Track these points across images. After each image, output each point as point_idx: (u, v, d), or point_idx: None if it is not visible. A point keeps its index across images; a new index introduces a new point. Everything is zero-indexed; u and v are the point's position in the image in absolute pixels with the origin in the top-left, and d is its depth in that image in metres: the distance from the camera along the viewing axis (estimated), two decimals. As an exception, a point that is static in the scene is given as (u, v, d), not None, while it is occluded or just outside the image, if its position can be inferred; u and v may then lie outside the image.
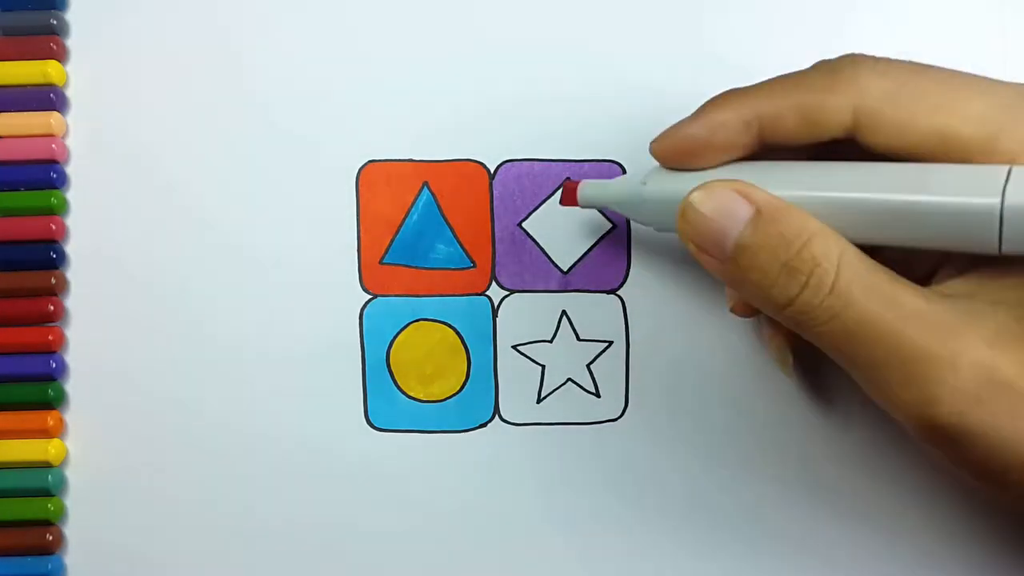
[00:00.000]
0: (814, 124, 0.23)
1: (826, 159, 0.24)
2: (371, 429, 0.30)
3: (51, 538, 0.30)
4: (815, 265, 0.21)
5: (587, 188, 0.28)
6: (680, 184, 0.24)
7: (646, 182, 0.25)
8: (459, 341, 0.31)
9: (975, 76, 0.22)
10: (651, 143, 0.25)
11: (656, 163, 0.26)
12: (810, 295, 0.21)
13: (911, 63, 0.23)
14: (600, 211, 0.31)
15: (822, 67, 0.23)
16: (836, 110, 0.22)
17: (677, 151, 0.25)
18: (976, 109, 0.21)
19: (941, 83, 0.22)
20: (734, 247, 0.22)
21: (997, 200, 0.20)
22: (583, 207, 0.28)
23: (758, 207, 0.22)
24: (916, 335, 0.21)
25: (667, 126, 0.31)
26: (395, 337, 0.31)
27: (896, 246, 0.22)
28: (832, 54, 0.31)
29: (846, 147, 0.24)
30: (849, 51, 0.23)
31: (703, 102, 0.25)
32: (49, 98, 0.31)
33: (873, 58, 0.23)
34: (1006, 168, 0.20)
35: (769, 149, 0.24)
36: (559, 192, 0.30)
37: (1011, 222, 0.20)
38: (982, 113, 0.21)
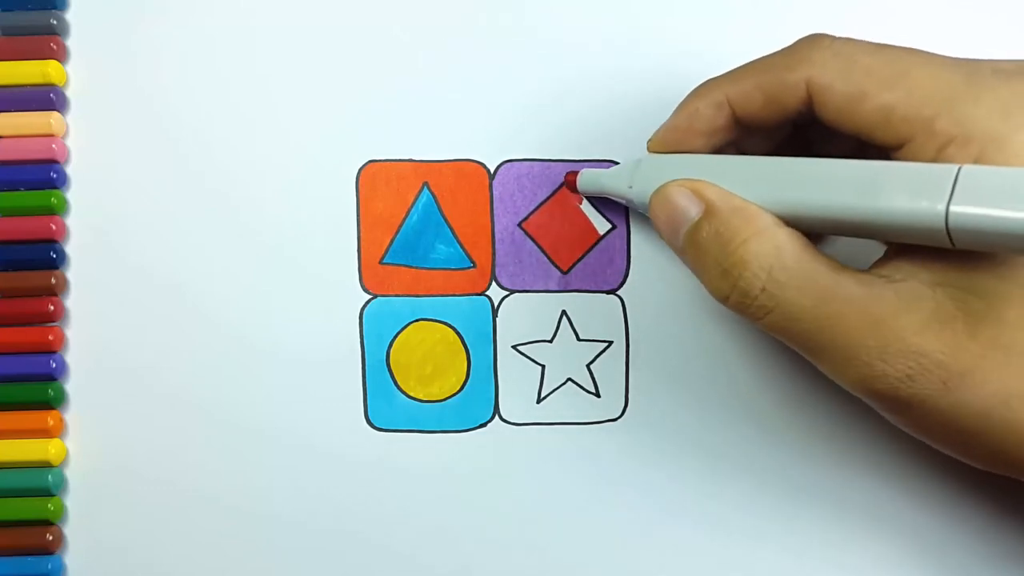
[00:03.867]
0: (775, 101, 0.24)
1: (800, 140, 0.26)
2: (371, 429, 0.30)
3: (51, 538, 0.30)
4: (743, 269, 0.23)
5: (584, 177, 0.30)
6: (657, 184, 0.26)
7: (632, 184, 0.27)
8: (459, 341, 0.31)
9: (929, 55, 0.23)
10: (647, 141, 0.28)
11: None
12: (740, 295, 0.23)
13: (869, 43, 0.23)
14: (598, 209, 0.31)
15: (783, 49, 0.25)
16: (793, 86, 0.24)
17: (666, 143, 0.27)
18: (921, 89, 0.22)
19: (891, 62, 0.22)
20: (682, 243, 0.25)
21: (942, 211, 0.20)
22: (582, 194, 0.30)
23: (706, 205, 0.24)
24: (848, 327, 0.22)
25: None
26: (395, 337, 0.31)
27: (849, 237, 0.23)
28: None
29: (815, 132, 0.25)
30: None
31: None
32: (49, 98, 0.31)
33: (830, 37, 0.24)
34: (954, 171, 0.20)
35: (748, 130, 0.26)
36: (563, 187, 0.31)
37: (958, 231, 0.20)
38: (926, 93, 0.22)
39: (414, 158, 0.31)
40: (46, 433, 0.30)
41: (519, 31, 0.31)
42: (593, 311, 0.31)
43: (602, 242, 0.31)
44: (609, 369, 0.30)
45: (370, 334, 0.31)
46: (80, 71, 0.31)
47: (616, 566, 0.30)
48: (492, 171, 0.31)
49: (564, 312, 0.31)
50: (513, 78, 0.31)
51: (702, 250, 0.24)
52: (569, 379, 0.31)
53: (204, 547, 0.30)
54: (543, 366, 0.31)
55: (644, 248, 0.31)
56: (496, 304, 0.31)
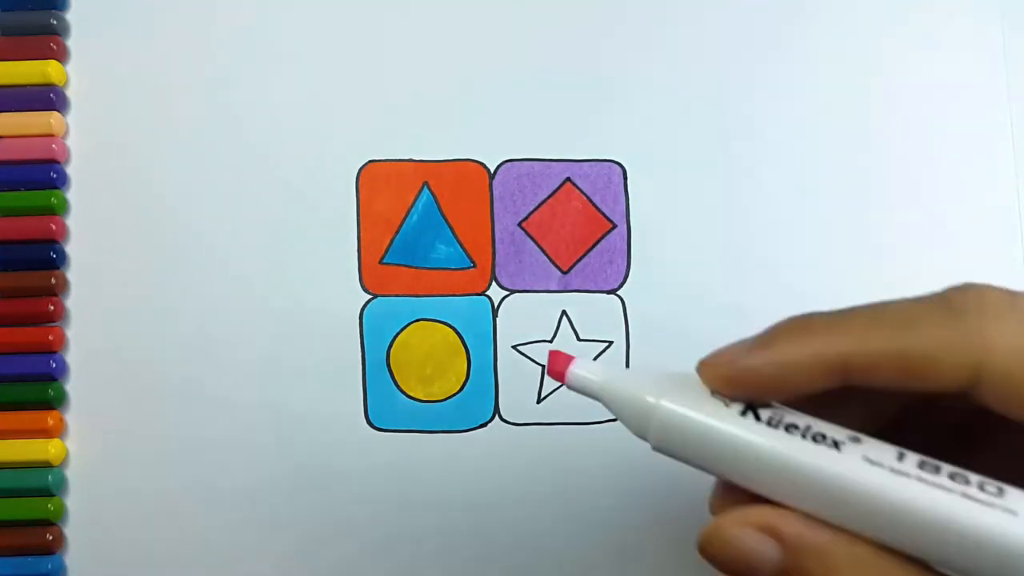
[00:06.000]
0: (919, 379, 0.18)
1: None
2: (371, 429, 0.30)
3: (51, 538, 0.30)
4: None
5: (577, 378, 0.22)
6: (682, 445, 0.20)
7: (649, 437, 0.21)
8: (459, 341, 0.31)
9: None
10: (700, 363, 0.20)
11: (661, 373, 0.21)
12: None
13: None
14: (599, 208, 0.31)
15: (938, 306, 0.18)
16: (953, 367, 0.17)
17: (734, 384, 0.19)
18: None
19: None
20: None
21: None
22: (571, 388, 0.22)
23: (786, 548, 0.18)
24: None
25: (667, 127, 0.31)
26: (395, 337, 0.31)
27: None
28: (834, 53, 0.31)
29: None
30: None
31: (772, 324, 0.20)
32: (49, 98, 0.31)
33: (1006, 298, 0.18)
34: None
35: (853, 396, 0.20)
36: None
37: None
38: None
39: (414, 158, 0.31)
40: (46, 433, 0.30)
41: (519, 31, 0.31)
42: (593, 311, 0.31)
43: (602, 242, 0.31)
44: (609, 369, 0.30)
45: (370, 334, 0.31)
46: (80, 71, 0.31)
47: (616, 565, 0.30)
48: (492, 171, 0.31)
49: (564, 312, 0.31)
50: (513, 78, 0.31)
51: None
52: (569, 379, 0.30)
53: (204, 547, 0.30)
54: (543, 366, 0.31)
55: (644, 248, 0.31)
56: (496, 304, 0.31)
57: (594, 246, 0.31)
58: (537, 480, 0.30)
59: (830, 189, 0.31)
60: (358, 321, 0.31)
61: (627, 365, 0.30)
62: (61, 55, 0.31)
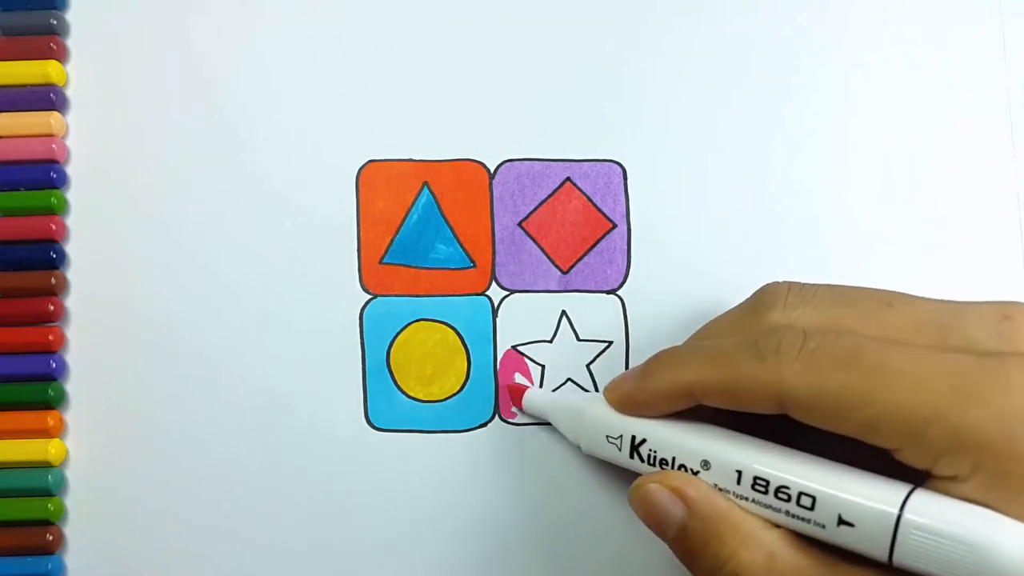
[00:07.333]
0: (740, 404, 0.23)
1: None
2: (371, 429, 0.30)
3: (51, 538, 0.30)
4: None
5: (530, 403, 0.30)
6: (604, 447, 0.27)
7: (580, 442, 0.28)
8: (459, 341, 0.31)
9: (907, 357, 0.22)
10: (604, 389, 0.27)
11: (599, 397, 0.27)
12: None
13: (840, 343, 0.22)
14: (598, 208, 0.31)
15: (751, 350, 0.23)
16: (762, 397, 0.23)
17: (623, 405, 0.26)
18: (903, 402, 0.21)
19: (866, 376, 0.21)
20: (672, 542, 0.24)
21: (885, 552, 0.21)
22: (525, 412, 0.30)
23: (689, 508, 0.24)
24: None
25: (667, 127, 0.31)
26: (395, 337, 0.31)
27: None
28: (833, 52, 0.31)
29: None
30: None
31: (649, 357, 0.26)
32: (49, 98, 0.31)
33: (797, 342, 0.23)
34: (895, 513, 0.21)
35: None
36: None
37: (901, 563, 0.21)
38: (909, 407, 0.21)
39: (414, 158, 0.31)
40: (46, 433, 0.30)
41: (519, 31, 0.31)
42: (593, 311, 0.31)
43: (602, 242, 0.31)
44: (609, 369, 0.30)
45: (370, 334, 0.31)
46: (80, 71, 0.31)
47: (616, 566, 0.30)
48: (492, 171, 0.31)
49: (564, 312, 0.31)
50: (513, 78, 0.31)
51: (693, 556, 0.24)
52: (569, 379, 0.31)
53: (204, 548, 0.30)
54: (543, 366, 0.31)
55: (644, 248, 0.31)
56: (496, 304, 0.31)
57: (594, 246, 0.31)
58: (537, 480, 0.30)
59: (829, 189, 0.31)
60: (358, 321, 0.31)
61: (627, 366, 0.30)
62: (61, 55, 0.31)
